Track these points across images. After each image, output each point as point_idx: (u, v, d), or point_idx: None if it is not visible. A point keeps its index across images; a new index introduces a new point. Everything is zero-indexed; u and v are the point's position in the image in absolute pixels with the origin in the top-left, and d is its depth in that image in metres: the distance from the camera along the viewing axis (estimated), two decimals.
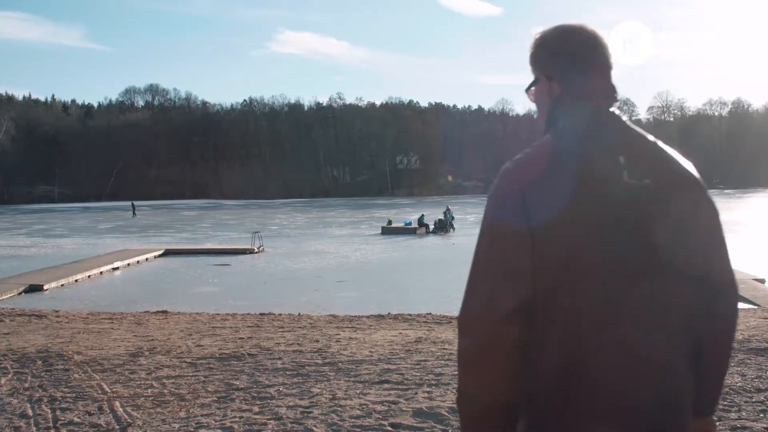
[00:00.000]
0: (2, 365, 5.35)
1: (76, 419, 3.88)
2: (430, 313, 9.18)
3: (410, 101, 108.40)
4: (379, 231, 29.29)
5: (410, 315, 8.98)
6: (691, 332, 1.31)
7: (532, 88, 1.44)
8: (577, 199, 1.24)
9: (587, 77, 1.36)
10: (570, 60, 1.37)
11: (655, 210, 1.27)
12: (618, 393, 1.24)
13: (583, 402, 1.25)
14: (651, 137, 1.36)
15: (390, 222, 31.23)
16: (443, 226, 29.69)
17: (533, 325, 1.25)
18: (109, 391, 4.51)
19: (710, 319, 1.33)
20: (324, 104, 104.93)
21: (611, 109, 1.36)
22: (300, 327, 7.90)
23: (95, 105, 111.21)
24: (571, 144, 1.30)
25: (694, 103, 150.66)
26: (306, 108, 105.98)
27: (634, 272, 1.24)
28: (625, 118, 1.37)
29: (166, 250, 21.74)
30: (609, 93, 1.37)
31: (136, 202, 53.50)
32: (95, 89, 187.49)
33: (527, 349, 1.26)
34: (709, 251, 1.33)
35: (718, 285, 1.33)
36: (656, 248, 1.26)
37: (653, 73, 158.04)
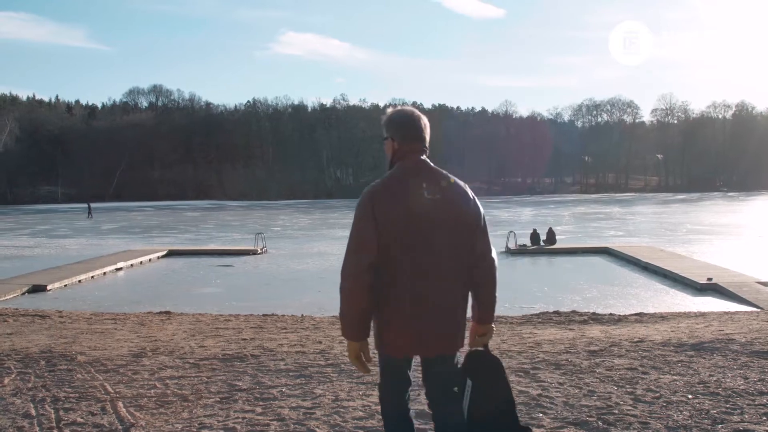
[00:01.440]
0: (6, 365, 5.37)
1: (79, 419, 3.89)
2: None
3: (413, 103, 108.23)
4: None
5: None
6: (465, 279, 2.49)
7: (385, 142, 2.60)
8: (399, 206, 2.40)
9: (410, 142, 2.55)
10: (404, 132, 2.56)
11: (441, 212, 2.43)
12: (412, 308, 2.41)
13: (393, 318, 2.44)
14: (445, 172, 2.53)
15: None
16: None
17: (379, 273, 2.38)
18: (112, 391, 4.52)
19: (477, 271, 2.51)
20: (327, 105, 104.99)
21: (422, 158, 2.54)
22: (303, 328, 7.92)
23: (99, 105, 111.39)
24: (399, 177, 2.48)
25: (697, 105, 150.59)
26: (309, 109, 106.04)
27: (426, 245, 2.40)
28: (429, 161, 2.55)
29: (170, 250, 21.79)
30: (422, 149, 2.56)
31: (92, 204, 52.11)
32: (99, 90, 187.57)
33: (376, 285, 2.39)
34: (474, 234, 2.49)
35: (479, 253, 2.50)
36: (441, 233, 2.42)
37: (656, 75, 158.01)
